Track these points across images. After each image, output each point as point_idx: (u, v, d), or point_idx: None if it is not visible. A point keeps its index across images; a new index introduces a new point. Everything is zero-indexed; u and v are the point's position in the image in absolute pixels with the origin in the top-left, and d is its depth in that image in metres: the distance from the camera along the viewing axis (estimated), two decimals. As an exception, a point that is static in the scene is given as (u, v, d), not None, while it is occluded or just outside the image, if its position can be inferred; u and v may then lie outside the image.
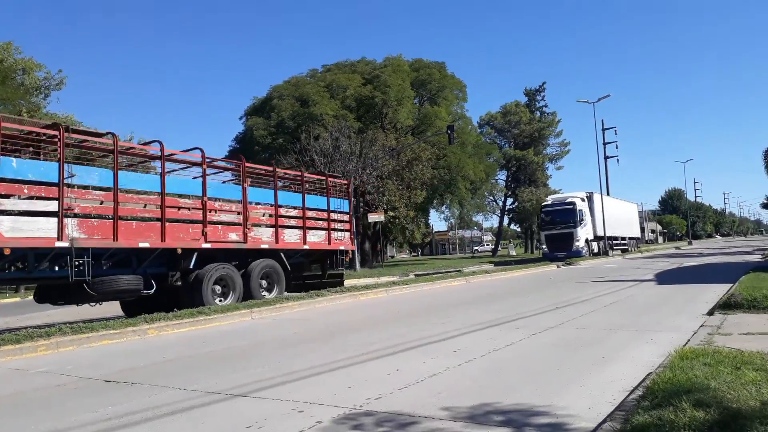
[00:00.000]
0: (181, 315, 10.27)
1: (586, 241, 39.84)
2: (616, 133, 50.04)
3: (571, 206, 40.01)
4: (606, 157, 49.31)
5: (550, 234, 40.02)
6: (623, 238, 47.34)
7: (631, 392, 4.56)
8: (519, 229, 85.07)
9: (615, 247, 44.33)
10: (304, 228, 14.92)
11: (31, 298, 26.58)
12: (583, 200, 41.10)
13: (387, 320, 10.59)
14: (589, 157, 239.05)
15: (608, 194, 52.08)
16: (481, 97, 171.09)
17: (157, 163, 12.57)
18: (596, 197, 42.27)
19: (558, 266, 27.87)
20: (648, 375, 4.96)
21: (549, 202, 43.20)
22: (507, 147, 71.69)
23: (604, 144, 49.15)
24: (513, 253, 73.34)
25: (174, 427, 4.44)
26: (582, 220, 39.60)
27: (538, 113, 74.28)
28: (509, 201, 71.44)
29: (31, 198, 9.90)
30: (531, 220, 65.22)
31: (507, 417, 4.20)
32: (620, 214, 47.08)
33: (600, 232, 40.93)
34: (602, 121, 60.17)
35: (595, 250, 40.84)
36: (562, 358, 6.27)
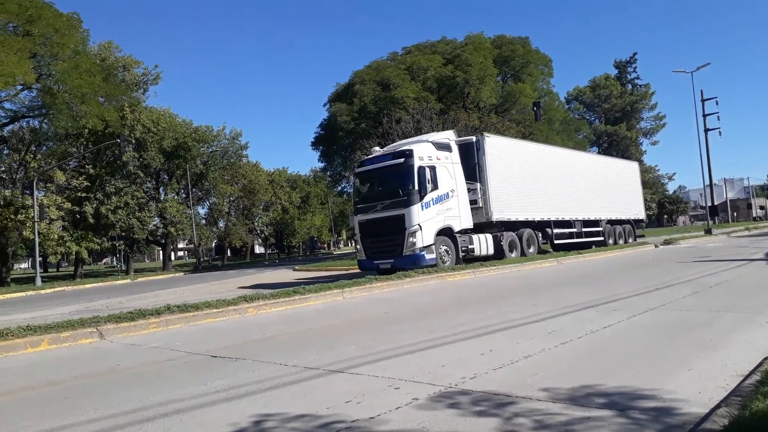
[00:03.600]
0: (278, 294, 10.73)
1: (446, 234, 17.87)
2: (717, 104, 46.33)
3: (403, 162, 17.23)
4: (706, 130, 46.09)
5: (364, 221, 17.88)
6: (596, 223, 26.24)
7: (747, 377, 4.28)
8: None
9: (563, 240, 23.68)
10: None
11: (139, 279, 28.35)
12: (444, 147, 18.59)
13: (476, 301, 10.53)
14: (688, 130, 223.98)
15: (709, 169, 47.07)
16: (568, 72, 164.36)
17: None
18: (494, 143, 20.64)
19: (656, 246, 26.36)
20: (766, 359, 4.64)
21: (369, 157, 19.80)
22: (597, 122, 68.72)
23: (704, 116, 45.98)
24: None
25: (277, 400, 4.65)
26: (425, 189, 17.02)
27: (630, 86, 70.52)
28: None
29: None
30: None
31: (609, 399, 4.07)
32: (589, 181, 26.25)
33: (502, 214, 19.87)
34: (701, 91, 55.86)
35: (483, 249, 19.10)
36: (666, 340, 5.98)
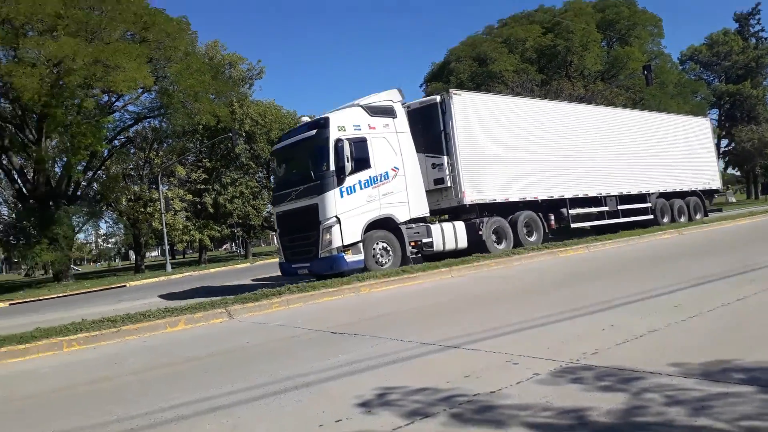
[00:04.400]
0: (388, 273, 11.02)
1: (387, 227, 13.22)
2: None
3: (315, 135, 12.99)
4: None
5: (281, 214, 13.87)
6: (642, 197, 20.32)
7: None
8: (738, 173, 74.98)
9: (588, 222, 18.87)
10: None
11: (257, 263, 29.86)
12: (383, 112, 13.81)
13: (591, 276, 10.19)
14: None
15: None
16: (681, 31, 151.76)
17: None
18: (467, 102, 15.43)
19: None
20: None
21: (288, 131, 17.76)
22: (716, 82, 63.17)
23: None
24: (732, 200, 64.29)
25: (398, 374, 4.80)
26: (345, 169, 12.47)
27: (753, 40, 63.98)
28: (724, 142, 63.09)
29: None
30: (754, 162, 56.94)
31: (749, 375, 3.82)
32: (631, 145, 20.35)
33: (480, 194, 15.05)
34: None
35: (447, 242, 14.26)
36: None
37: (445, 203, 14.85)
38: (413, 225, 13.58)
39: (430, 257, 13.80)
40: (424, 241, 13.67)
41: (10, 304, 19.00)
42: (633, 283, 8.48)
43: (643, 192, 20.27)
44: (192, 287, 17.99)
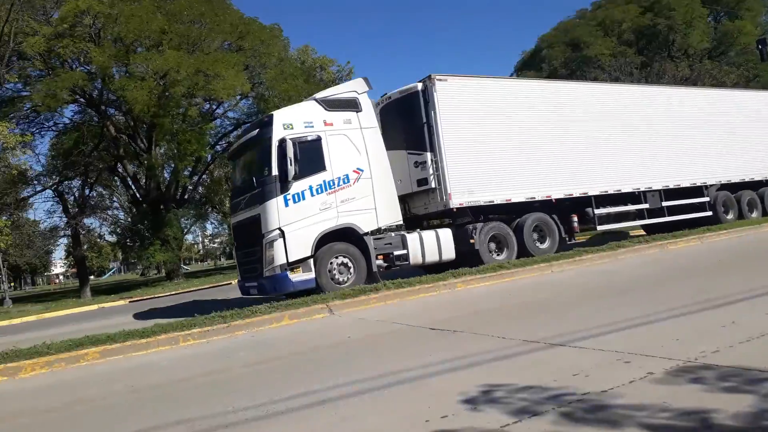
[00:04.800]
0: (484, 270, 10.88)
1: (348, 238, 11.44)
2: None
3: (258, 135, 11.74)
4: None
5: (235, 225, 12.61)
6: (696, 191, 16.81)
7: None
8: None
9: (619, 224, 15.76)
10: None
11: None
12: (343, 105, 11.98)
13: (705, 271, 9.55)
14: None
15: None
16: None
17: None
18: (454, 89, 12.99)
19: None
20: None
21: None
22: None
23: None
24: None
25: (501, 371, 4.73)
26: (288, 173, 10.82)
27: None
28: None
29: None
30: None
31: None
32: (681, 128, 16.78)
33: (471, 196, 12.73)
34: None
35: (427, 254, 12.12)
36: None
37: (433, 207, 12.75)
38: (384, 235, 11.75)
39: (430, 268, 12.28)
40: (396, 253, 11.69)
41: (129, 302, 20.61)
42: (756, 277, 7.84)
43: (698, 184, 16.62)
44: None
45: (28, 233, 26.70)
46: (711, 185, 17.00)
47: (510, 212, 13.57)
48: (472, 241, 12.52)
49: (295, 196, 10.88)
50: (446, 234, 12.41)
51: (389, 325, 7.63)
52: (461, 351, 5.54)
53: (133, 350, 7.78)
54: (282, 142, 10.86)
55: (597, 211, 14.38)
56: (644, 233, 16.85)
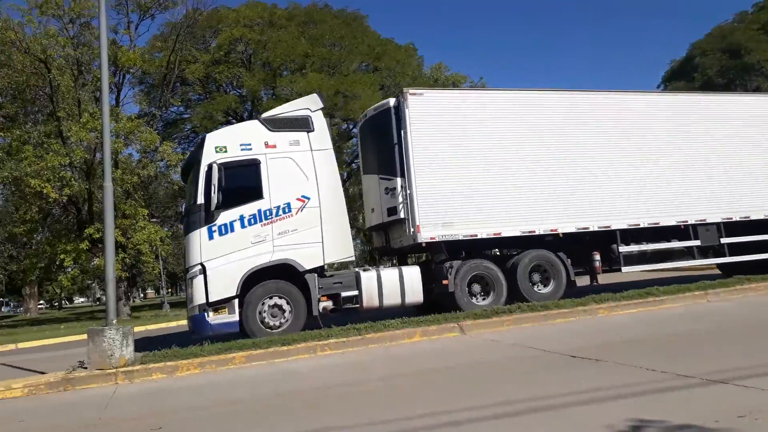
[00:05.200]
0: (629, 296, 10.18)
1: (287, 276, 10.01)
2: None
3: (191, 159, 11.39)
4: None
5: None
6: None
7: None
8: None
9: (652, 265, 12.58)
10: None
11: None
12: (292, 125, 10.58)
13: None
14: None
15: None
16: None
17: None
18: (430, 104, 11.37)
19: None
20: None
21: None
22: None
23: None
24: None
25: (652, 406, 4.37)
26: (213, 201, 9.63)
27: None
28: None
29: None
30: None
31: None
32: (741, 148, 13.27)
33: (446, 229, 10.93)
34: None
35: (385, 296, 10.43)
36: None
37: (406, 240, 11.07)
38: (334, 273, 10.55)
39: (424, 309, 10.89)
40: (345, 294, 10.18)
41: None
42: None
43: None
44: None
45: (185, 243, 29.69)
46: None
47: (508, 248, 12.01)
48: (445, 282, 10.74)
49: (222, 227, 9.72)
50: (412, 273, 10.70)
51: (524, 349, 7.37)
52: (606, 381, 5.21)
53: (275, 357, 8.23)
54: (209, 168, 9.75)
55: (623, 249, 11.88)
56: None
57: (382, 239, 12.14)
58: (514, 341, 7.98)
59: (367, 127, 12.35)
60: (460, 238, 10.96)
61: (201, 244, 9.67)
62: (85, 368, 7.94)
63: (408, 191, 10.84)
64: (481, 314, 9.51)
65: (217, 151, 10.00)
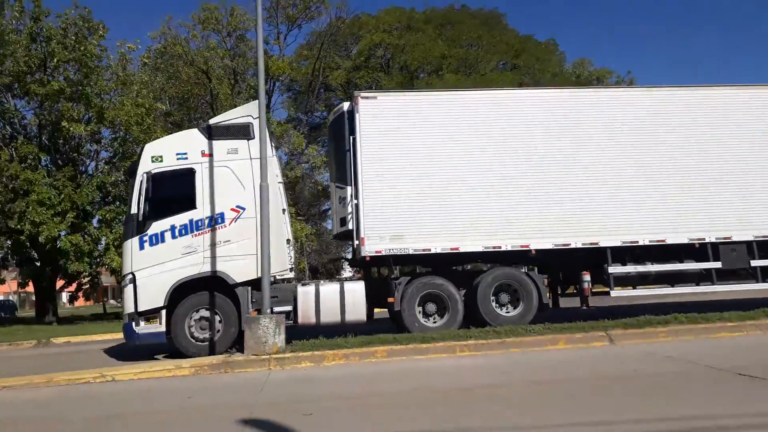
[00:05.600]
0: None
1: (219, 288, 9.81)
2: None
3: (129, 169, 13.14)
4: None
5: None
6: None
7: None
8: None
9: (655, 290, 10.93)
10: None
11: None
12: (232, 133, 10.25)
13: None
14: None
15: None
16: None
17: None
18: (383, 107, 10.49)
19: None
20: None
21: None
22: None
23: None
24: None
25: None
26: (145, 211, 9.68)
27: None
28: None
29: None
30: None
31: None
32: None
33: (393, 243, 10.10)
34: None
35: (322, 313, 9.96)
36: None
37: (358, 253, 10.40)
38: (276, 287, 9.90)
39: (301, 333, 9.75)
40: (278, 309, 9.59)
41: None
42: None
43: None
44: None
45: (326, 241, 30.96)
46: None
47: (462, 262, 10.97)
48: (390, 300, 10.14)
49: (153, 237, 9.70)
50: (355, 289, 10.13)
51: (683, 363, 6.79)
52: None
53: (414, 353, 8.35)
54: (145, 179, 9.71)
55: (613, 270, 10.34)
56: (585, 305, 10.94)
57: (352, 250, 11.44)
58: (671, 354, 7.39)
59: (330, 132, 11.99)
60: (411, 252, 10.19)
61: (132, 253, 9.74)
62: (242, 353, 8.61)
63: (355, 201, 10.26)
64: (633, 323, 8.93)
65: (153, 161, 9.99)
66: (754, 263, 10.42)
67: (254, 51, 29.59)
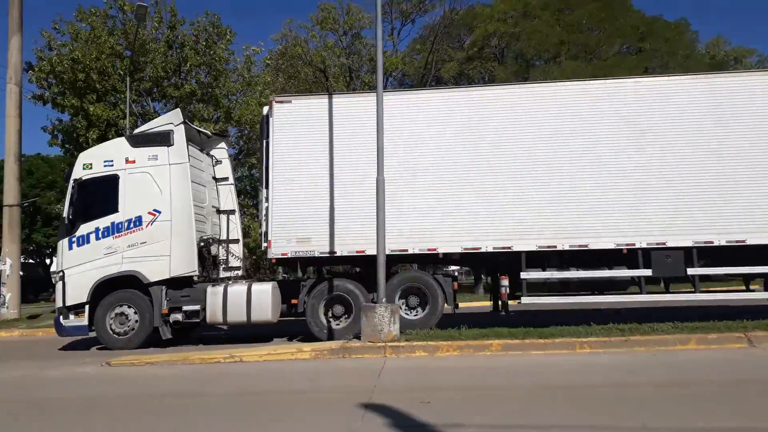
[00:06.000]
0: None
1: (138, 286, 10.44)
2: None
3: (66, 175, 11.67)
4: None
5: None
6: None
7: None
8: None
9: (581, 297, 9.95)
10: None
11: None
12: (154, 140, 10.70)
13: None
14: None
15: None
16: None
17: None
18: (296, 113, 10.55)
19: None
20: None
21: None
22: None
23: None
24: None
25: None
26: (75, 215, 10.59)
27: None
28: None
29: None
30: None
31: None
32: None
33: (301, 244, 10.21)
34: None
35: (230, 313, 10.17)
36: None
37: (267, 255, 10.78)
38: (184, 287, 10.45)
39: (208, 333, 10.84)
40: (187, 308, 10.30)
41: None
42: None
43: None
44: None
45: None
46: None
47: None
48: (294, 301, 10.42)
49: (80, 239, 10.52)
50: (263, 290, 10.35)
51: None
52: None
53: (531, 348, 8.15)
54: (75, 184, 10.68)
55: (526, 275, 9.96)
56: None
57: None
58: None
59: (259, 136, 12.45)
60: (317, 255, 10.31)
61: (63, 253, 10.61)
62: (359, 339, 8.87)
63: (266, 204, 10.59)
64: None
65: (84, 168, 10.79)
66: (691, 271, 9.63)
67: (369, 49, 30.27)
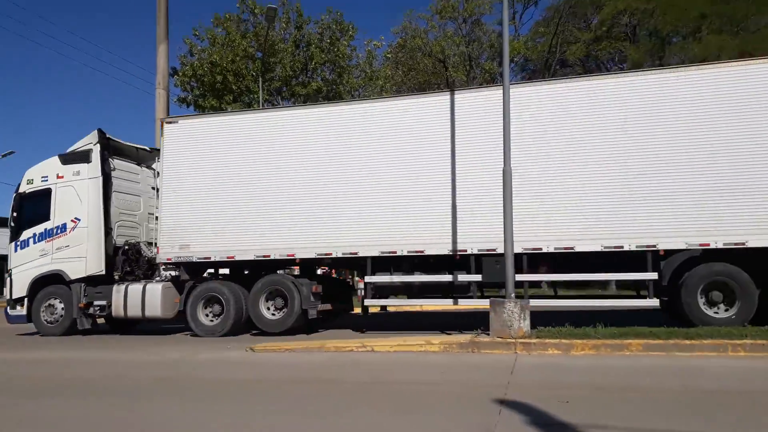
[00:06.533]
0: None
1: (65, 283, 12.37)
2: None
3: (15, 189, 13.16)
4: None
5: None
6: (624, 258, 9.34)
7: None
8: None
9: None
10: None
11: None
12: (78, 158, 12.51)
13: None
14: None
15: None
16: None
17: None
18: (183, 133, 11.91)
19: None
20: None
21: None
22: None
23: None
24: None
25: None
26: (20, 222, 12.83)
27: None
28: None
29: None
30: None
31: None
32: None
33: (186, 250, 11.69)
34: None
35: (131, 307, 11.83)
36: None
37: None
38: (100, 285, 12.09)
39: (119, 323, 12.69)
40: (97, 303, 12.05)
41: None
42: None
43: (636, 247, 9.41)
44: None
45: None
46: (668, 251, 9.42)
47: (249, 273, 12.06)
48: (176, 300, 11.62)
49: (23, 243, 12.52)
50: (155, 289, 11.73)
51: None
52: None
53: (676, 350, 7.62)
54: (19, 197, 12.70)
55: (370, 279, 10.80)
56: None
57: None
58: None
59: None
60: (195, 260, 11.48)
61: (11, 255, 12.68)
62: (488, 335, 8.77)
63: (157, 213, 12.16)
64: None
65: (26, 183, 12.73)
66: (520, 277, 9.59)
67: (489, 35, 29.65)
